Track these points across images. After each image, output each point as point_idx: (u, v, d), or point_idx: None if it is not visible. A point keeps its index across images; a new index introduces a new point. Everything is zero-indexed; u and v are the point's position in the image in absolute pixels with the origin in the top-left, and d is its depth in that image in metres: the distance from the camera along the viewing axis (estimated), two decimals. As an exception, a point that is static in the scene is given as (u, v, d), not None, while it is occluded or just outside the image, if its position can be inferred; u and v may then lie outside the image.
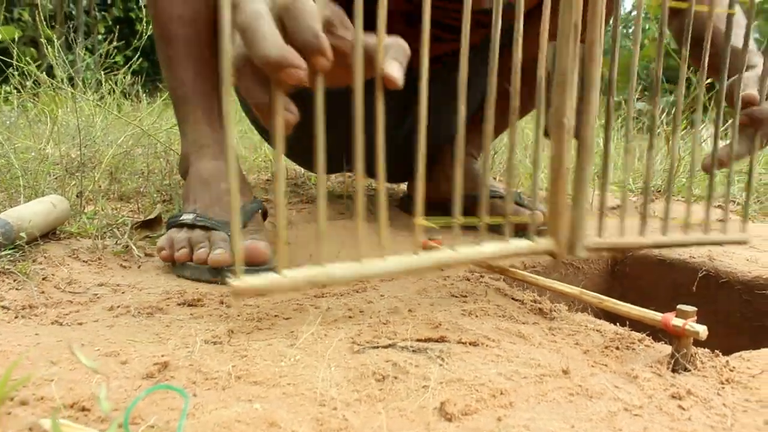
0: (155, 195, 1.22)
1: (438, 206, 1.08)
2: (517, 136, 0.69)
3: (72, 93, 1.64)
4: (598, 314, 0.71)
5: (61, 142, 1.60)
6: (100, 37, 6.50)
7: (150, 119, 1.91)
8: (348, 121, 1.03)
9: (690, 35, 1.07)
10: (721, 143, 0.79)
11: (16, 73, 2.02)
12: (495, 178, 1.69)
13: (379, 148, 0.53)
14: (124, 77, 2.33)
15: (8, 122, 1.90)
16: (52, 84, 1.91)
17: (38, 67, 2.12)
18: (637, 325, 0.59)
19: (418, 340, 0.57)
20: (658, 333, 0.58)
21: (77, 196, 1.08)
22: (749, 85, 0.83)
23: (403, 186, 1.54)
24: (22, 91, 2.05)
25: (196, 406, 0.44)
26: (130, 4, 6.81)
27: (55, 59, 1.93)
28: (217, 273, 0.74)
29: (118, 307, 0.65)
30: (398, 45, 0.51)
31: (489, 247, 0.59)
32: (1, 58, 1.98)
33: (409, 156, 0.81)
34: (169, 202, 1.18)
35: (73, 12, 6.35)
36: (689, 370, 0.54)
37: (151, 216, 1.01)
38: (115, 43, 2.36)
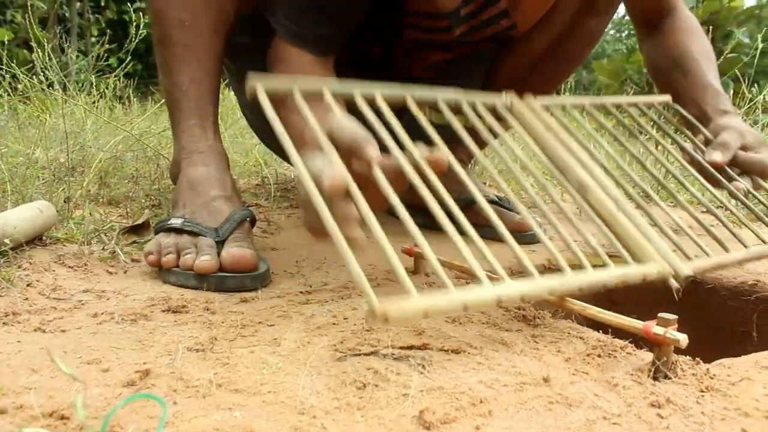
0: (144, 200, 1.22)
1: (426, 212, 1.08)
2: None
3: (61, 97, 1.64)
4: (583, 321, 0.71)
5: (51, 147, 1.60)
6: (93, 39, 6.49)
7: (142, 123, 1.91)
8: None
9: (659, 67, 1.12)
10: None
11: (7, 76, 2.01)
12: (485, 183, 1.69)
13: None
14: (116, 80, 2.32)
15: (-2, 126, 1.90)
16: (42, 87, 1.90)
17: (30, 69, 2.12)
18: (621, 332, 0.60)
19: (401, 348, 0.57)
20: (641, 340, 0.58)
21: (65, 201, 1.08)
22: (714, 148, 0.91)
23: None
24: (12, 94, 2.04)
25: (176, 414, 0.44)
26: (124, 6, 6.80)
27: (42, 62, 1.93)
28: (202, 279, 0.74)
29: (102, 313, 0.65)
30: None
31: (600, 275, 0.58)
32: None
33: None
34: (158, 207, 1.18)
35: (67, 14, 6.34)
36: (670, 378, 0.54)
37: (139, 221, 1.01)
38: (107, 46, 2.36)
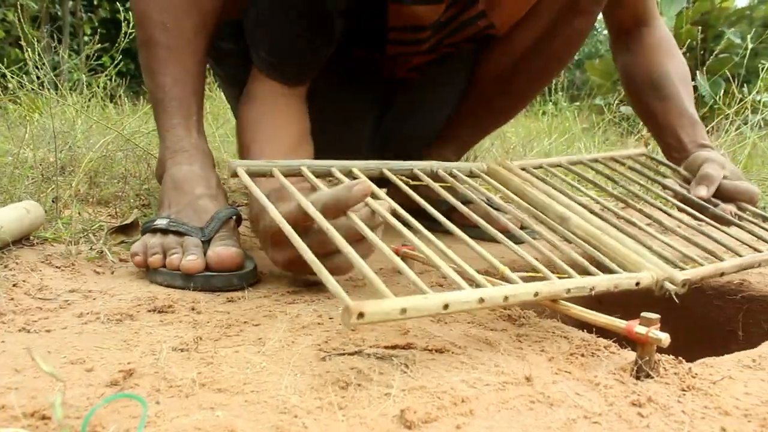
0: (132, 200, 1.22)
1: (415, 212, 1.09)
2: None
3: (49, 96, 1.64)
4: (568, 321, 0.71)
5: (41, 146, 1.60)
6: (86, 38, 6.47)
7: (133, 122, 1.91)
8: (326, 122, 1.03)
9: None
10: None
11: (-3, 75, 2.01)
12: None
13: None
14: (108, 79, 2.32)
15: (-11, 125, 1.89)
16: (32, 87, 1.90)
17: (22, 68, 2.11)
18: (606, 332, 0.60)
19: (385, 347, 0.58)
20: (624, 340, 0.59)
21: (53, 201, 1.08)
22: (698, 182, 0.97)
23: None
24: (3, 93, 2.04)
25: (158, 414, 0.44)
26: (117, 5, 6.79)
27: (31, 61, 1.92)
28: (189, 279, 0.75)
29: (88, 313, 0.65)
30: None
31: (589, 279, 0.62)
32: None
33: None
34: (148, 207, 1.18)
35: (59, 13, 6.32)
36: (652, 377, 0.54)
37: (128, 221, 1.01)
38: (99, 45, 2.35)
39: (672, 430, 0.46)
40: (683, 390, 0.52)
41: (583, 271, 0.66)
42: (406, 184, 0.77)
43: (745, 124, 2.08)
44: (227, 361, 0.54)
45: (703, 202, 0.94)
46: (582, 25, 1.14)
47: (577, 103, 3.96)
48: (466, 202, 1.16)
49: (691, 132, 1.12)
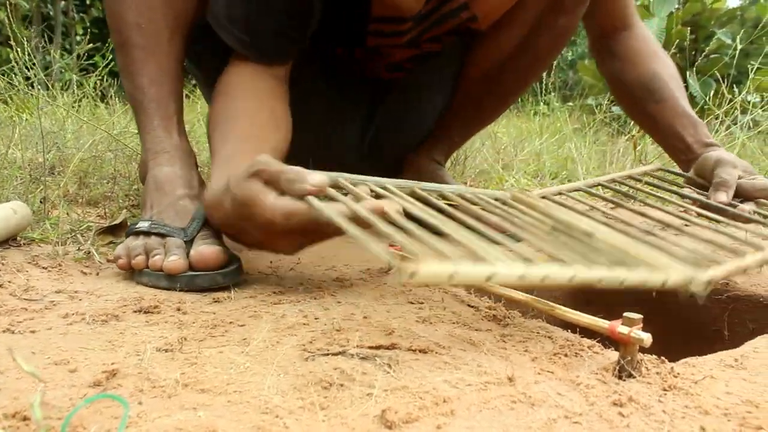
0: (121, 200, 1.22)
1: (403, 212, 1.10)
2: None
3: (37, 96, 1.63)
4: (553, 321, 0.72)
5: (30, 146, 1.59)
6: (78, 38, 6.46)
7: (123, 122, 1.91)
8: (314, 125, 1.03)
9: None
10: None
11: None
12: (466, 183, 1.70)
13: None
14: (99, 79, 2.31)
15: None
16: (20, 87, 1.89)
17: (12, 68, 2.11)
18: (591, 332, 0.60)
19: (370, 348, 0.58)
20: (609, 340, 0.59)
21: (41, 201, 1.07)
22: (717, 189, 0.99)
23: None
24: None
25: (140, 414, 0.44)
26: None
27: (23, 61, 1.91)
28: (173, 280, 0.75)
29: (74, 314, 0.65)
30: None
31: (621, 272, 0.60)
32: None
33: (374, 163, 0.82)
34: (137, 207, 1.18)
35: (51, 13, 6.30)
36: (634, 377, 0.55)
37: (116, 221, 1.01)
38: (90, 45, 2.35)
39: (652, 429, 0.46)
40: (665, 390, 0.53)
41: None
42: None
43: (735, 124, 2.09)
44: (211, 362, 0.54)
45: (723, 206, 0.95)
46: (566, 24, 1.15)
47: (570, 104, 3.97)
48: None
49: (693, 132, 1.14)
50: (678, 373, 0.56)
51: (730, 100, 2.09)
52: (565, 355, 0.58)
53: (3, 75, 1.99)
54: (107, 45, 2.13)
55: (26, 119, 1.95)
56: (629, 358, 0.55)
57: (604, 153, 2.21)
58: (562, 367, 0.56)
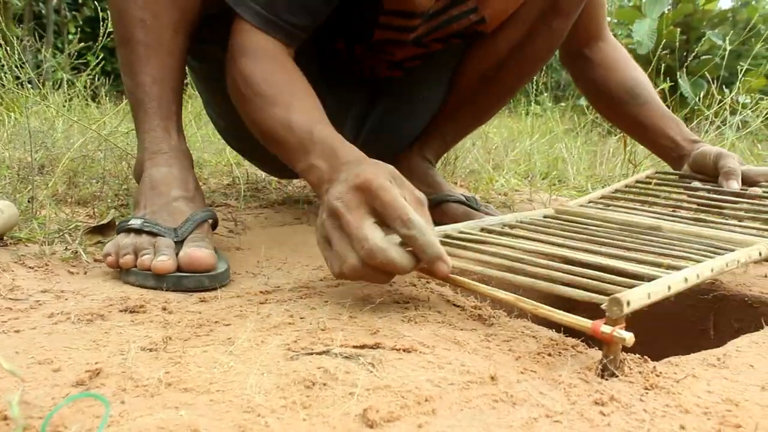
0: (110, 200, 1.21)
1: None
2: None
3: (25, 95, 1.63)
4: (537, 320, 0.72)
5: (19, 146, 1.59)
6: (70, 36, 6.44)
7: (114, 122, 1.90)
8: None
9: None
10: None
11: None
12: (456, 183, 1.70)
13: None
14: (89, 78, 2.31)
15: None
16: (9, 87, 1.89)
17: (2, 67, 2.10)
18: (575, 331, 0.60)
19: (354, 347, 0.58)
20: (592, 339, 0.59)
21: (29, 201, 1.07)
22: (727, 178, 1.08)
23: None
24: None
25: (122, 414, 0.45)
26: (103, 3, 6.75)
27: (11, 59, 1.91)
28: (161, 280, 0.75)
29: (59, 314, 0.65)
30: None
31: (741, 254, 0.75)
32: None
33: None
34: (126, 207, 1.18)
35: (43, 11, 6.28)
36: (617, 376, 0.55)
37: (104, 221, 1.01)
38: (83, 44, 2.34)
39: (632, 428, 0.47)
40: (646, 389, 0.53)
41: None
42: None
43: (724, 124, 2.10)
44: (195, 361, 0.54)
45: (737, 192, 1.06)
46: (561, 26, 1.16)
47: (563, 104, 3.98)
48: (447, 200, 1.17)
49: (679, 131, 1.22)
50: (660, 373, 0.56)
51: (720, 101, 2.10)
52: (549, 355, 0.59)
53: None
54: (98, 44, 2.12)
55: (15, 119, 1.94)
56: (612, 358, 0.55)
57: (595, 153, 2.22)
58: (545, 367, 0.56)
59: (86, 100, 2.45)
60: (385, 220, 0.66)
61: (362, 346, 0.58)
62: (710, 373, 0.58)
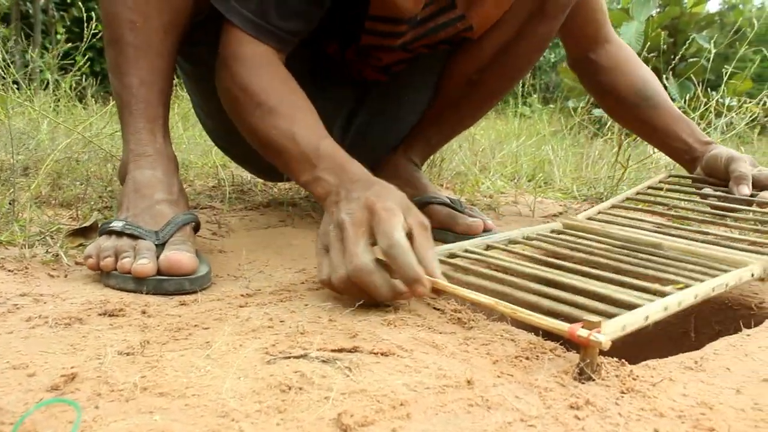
0: (93, 202, 1.21)
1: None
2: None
3: (6, 96, 1.62)
4: (517, 323, 0.72)
5: (1, 147, 1.58)
6: (58, 36, 6.40)
7: (99, 123, 1.89)
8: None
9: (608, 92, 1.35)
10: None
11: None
12: (442, 185, 1.70)
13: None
14: (75, 79, 2.30)
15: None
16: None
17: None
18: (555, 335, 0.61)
19: (332, 351, 0.58)
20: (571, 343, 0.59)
21: (10, 203, 1.07)
22: (738, 183, 1.09)
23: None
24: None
25: (96, 419, 0.44)
26: (91, 3, 6.71)
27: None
28: (141, 283, 0.74)
29: (37, 317, 0.65)
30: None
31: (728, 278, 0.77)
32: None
33: None
34: (110, 209, 1.17)
35: (30, 11, 6.25)
36: (593, 380, 0.55)
37: (87, 223, 1.00)
38: (70, 44, 2.33)
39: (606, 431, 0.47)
40: (622, 392, 0.53)
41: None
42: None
43: (709, 126, 2.11)
44: (172, 365, 0.54)
45: (747, 199, 1.07)
46: (547, 31, 1.16)
47: (552, 106, 4.00)
48: (431, 202, 1.17)
49: (691, 132, 1.24)
50: (637, 376, 0.57)
51: (706, 103, 2.11)
52: (527, 358, 0.59)
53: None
54: (82, 44, 2.11)
55: (0, 120, 1.93)
56: (588, 361, 0.56)
57: (582, 155, 2.22)
58: (523, 370, 0.56)
59: (73, 101, 2.44)
60: (375, 236, 0.69)
61: (340, 350, 0.58)
62: (687, 376, 0.58)
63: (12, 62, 1.94)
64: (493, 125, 3.22)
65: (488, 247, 0.89)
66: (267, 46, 0.91)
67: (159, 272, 0.76)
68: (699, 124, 2.09)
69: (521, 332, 0.66)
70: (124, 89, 0.91)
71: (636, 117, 1.28)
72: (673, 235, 0.95)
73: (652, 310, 0.62)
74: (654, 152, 1.86)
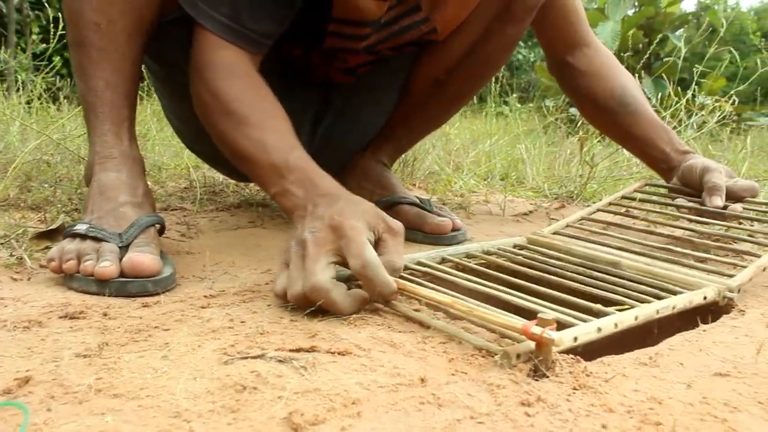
0: (62, 205, 1.20)
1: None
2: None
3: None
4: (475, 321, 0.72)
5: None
6: (34, 36, 6.34)
7: (73, 125, 1.88)
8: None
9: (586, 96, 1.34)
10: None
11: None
12: (414, 185, 1.71)
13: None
14: (48, 79, 2.28)
15: None
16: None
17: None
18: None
19: (290, 350, 0.58)
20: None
21: (-25, 205, 1.06)
22: (711, 194, 1.09)
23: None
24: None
25: (47, 421, 0.45)
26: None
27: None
28: (104, 285, 0.74)
29: (-5, 320, 0.65)
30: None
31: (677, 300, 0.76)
32: None
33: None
34: (79, 212, 1.17)
35: (3, 10, 6.18)
36: (547, 377, 0.56)
37: (53, 226, 1.00)
38: (44, 45, 2.31)
39: (555, 428, 0.47)
40: (575, 389, 0.54)
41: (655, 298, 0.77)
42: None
43: (680, 124, 2.14)
44: (129, 367, 0.54)
45: (719, 210, 1.07)
46: (514, 32, 1.17)
47: (530, 105, 4.02)
48: (400, 202, 1.18)
49: (669, 141, 1.22)
50: (591, 372, 0.58)
51: (677, 102, 2.13)
52: (482, 356, 0.60)
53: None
54: (51, 45, 2.10)
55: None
56: (542, 358, 0.56)
57: (555, 154, 2.24)
58: (477, 368, 0.57)
59: (46, 101, 2.42)
60: (344, 256, 0.69)
61: (298, 350, 0.58)
62: (640, 372, 0.59)
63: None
64: (468, 125, 3.24)
65: (443, 260, 0.89)
66: (241, 50, 0.90)
67: (122, 274, 0.76)
68: (670, 123, 2.11)
69: (481, 330, 0.67)
70: (90, 91, 0.90)
71: (614, 123, 1.27)
72: (636, 253, 0.94)
73: (582, 332, 0.61)
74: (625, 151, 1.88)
